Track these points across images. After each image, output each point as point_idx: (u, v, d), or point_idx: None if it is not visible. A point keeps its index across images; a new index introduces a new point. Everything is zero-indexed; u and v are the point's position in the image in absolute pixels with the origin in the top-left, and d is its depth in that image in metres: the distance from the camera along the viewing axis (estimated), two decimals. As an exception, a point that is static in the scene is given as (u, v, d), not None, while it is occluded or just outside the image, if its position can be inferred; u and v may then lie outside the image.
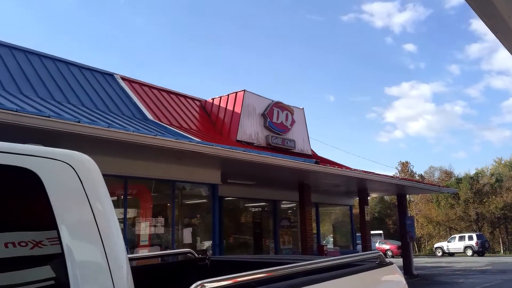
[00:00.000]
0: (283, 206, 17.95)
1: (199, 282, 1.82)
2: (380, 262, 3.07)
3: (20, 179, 1.54)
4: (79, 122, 7.28)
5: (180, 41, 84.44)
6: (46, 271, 1.57)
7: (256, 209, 17.67)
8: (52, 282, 1.56)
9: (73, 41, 78.96)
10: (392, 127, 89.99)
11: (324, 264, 2.76)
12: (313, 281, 2.36)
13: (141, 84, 14.79)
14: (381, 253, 3.16)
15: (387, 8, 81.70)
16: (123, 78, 14.27)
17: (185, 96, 16.32)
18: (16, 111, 6.50)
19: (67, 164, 1.62)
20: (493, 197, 41.91)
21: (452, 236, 37.59)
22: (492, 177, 46.36)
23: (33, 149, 1.59)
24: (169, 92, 15.68)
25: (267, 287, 2.20)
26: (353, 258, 3.03)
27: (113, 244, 1.67)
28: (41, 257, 1.52)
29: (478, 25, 73.16)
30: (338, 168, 13.75)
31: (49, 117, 6.88)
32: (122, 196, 10.03)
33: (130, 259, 3.37)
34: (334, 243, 21.31)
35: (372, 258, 3.13)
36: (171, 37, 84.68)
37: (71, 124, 7.07)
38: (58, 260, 1.53)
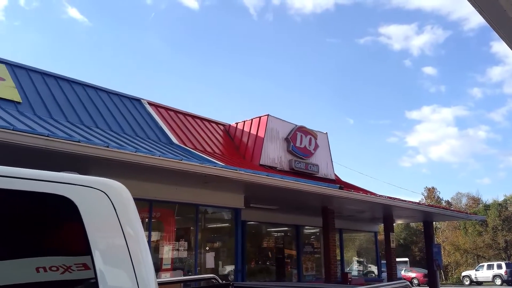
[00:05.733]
0: (306, 231, 17.77)
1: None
2: (406, 293, 3.02)
3: (58, 206, 1.61)
4: (107, 147, 7.46)
5: (200, 65, 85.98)
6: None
7: (279, 234, 17.53)
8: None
9: (89, 65, 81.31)
10: (415, 151, 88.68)
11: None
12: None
13: (167, 109, 15.08)
14: (408, 282, 3.12)
15: (403, 30, 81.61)
16: (150, 103, 14.59)
17: (209, 121, 16.54)
18: (47, 136, 6.71)
19: (102, 192, 1.69)
20: (523, 224, 40.56)
21: (480, 264, 36.43)
22: (522, 204, 44.97)
23: (70, 177, 1.67)
24: (194, 116, 15.92)
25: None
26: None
27: (144, 269, 1.71)
28: (76, 282, 1.58)
29: (500, 47, 72.08)
30: (362, 194, 13.59)
31: (79, 142, 7.08)
32: (146, 219, 10.14)
33: (159, 284, 3.41)
34: (359, 271, 20.88)
35: (399, 287, 3.09)
36: (192, 61, 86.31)
37: (100, 149, 7.25)
38: (91, 285, 1.58)
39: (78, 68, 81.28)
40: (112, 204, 1.69)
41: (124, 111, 13.09)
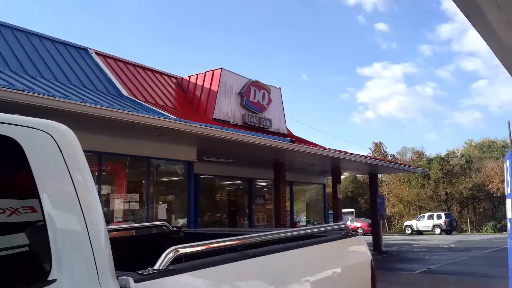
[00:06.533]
0: (258, 184, 18.18)
1: (173, 247, 1.95)
2: (346, 233, 3.25)
3: (3, 148, 1.59)
4: (52, 96, 7.21)
5: (157, 17, 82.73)
6: (27, 238, 1.63)
7: (232, 187, 17.86)
8: (34, 248, 1.63)
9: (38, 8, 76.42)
10: (365, 107, 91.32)
11: (292, 234, 2.92)
12: (280, 249, 2.51)
13: (116, 60, 14.58)
14: (347, 225, 3.35)
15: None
16: (98, 53, 14.03)
17: (161, 73, 16.18)
18: (-13, 85, 6.40)
19: (48, 134, 1.69)
20: (463, 177, 43.24)
21: (421, 215, 38.76)
22: (462, 158, 47.78)
23: (15, 118, 1.64)
24: (144, 68, 15.51)
25: (237, 254, 2.34)
26: (320, 229, 3.20)
27: (92, 211, 1.75)
28: (23, 224, 1.60)
29: (449, 4, 74.08)
30: (312, 147, 13.99)
31: (22, 90, 6.80)
32: (96, 173, 10.01)
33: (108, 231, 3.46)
34: (307, 221, 21.79)
35: (338, 229, 3.31)
36: (148, 11, 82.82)
37: (44, 98, 7.00)
38: (39, 227, 1.60)
39: (21, 15, 76.06)
40: (59, 147, 1.68)
41: (70, 61, 12.55)
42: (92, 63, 13.33)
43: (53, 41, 12.75)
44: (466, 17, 5.41)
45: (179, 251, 1.93)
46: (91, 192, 1.80)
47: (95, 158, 9.87)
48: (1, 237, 1.56)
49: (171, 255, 1.88)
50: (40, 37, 12.43)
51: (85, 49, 13.72)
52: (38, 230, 1.59)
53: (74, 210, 1.69)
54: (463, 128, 77.36)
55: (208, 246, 2.18)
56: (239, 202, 17.53)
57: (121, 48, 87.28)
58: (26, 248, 1.62)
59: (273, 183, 15.44)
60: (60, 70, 11.78)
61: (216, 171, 15.20)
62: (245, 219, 17.06)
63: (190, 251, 2.05)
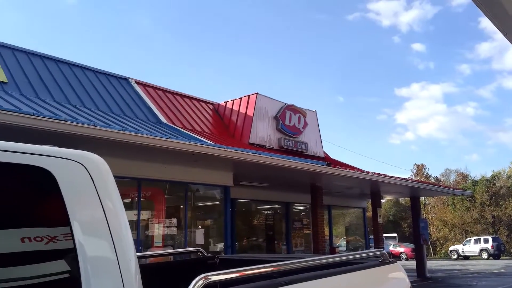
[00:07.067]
0: (295, 208, 18.00)
1: (202, 275, 1.93)
2: (383, 260, 3.14)
3: (36, 177, 1.66)
4: (93, 125, 7.46)
5: (189, 45, 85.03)
6: (59, 265, 1.67)
7: (269, 211, 17.75)
8: (65, 275, 1.66)
9: (77, 43, 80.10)
10: (404, 129, 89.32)
11: (326, 260, 2.84)
12: (314, 277, 2.45)
13: (155, 88, 15.01)
14: (384, 251, 3.24)
15: (392, 6, 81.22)
16: (138, 82, 14.51)
17: (198, 100, 16.50)
18: (33, 115, 6.70)
19: (80, 163, 1.74)
20: (510, 199, 41.29)
21: (468, 239, 37.16)
22: (509, 179, 45.68)
23: (48, 149, 1.71)
24: (182, 95, 15.88)
25: (270, 282, 2.30)
26: (356, 256, 3.10)
27: (122, 239, 1.77)
28: (55, 252, 1.63)
29: (488, 23, 72.01)
30: (349, 170, 13.77)
31: (65, 120, 7.08)
32: (136, 198, 10.22)
33: (142, 257, 3.50)
34: (347, 246, 21.27)
35: (375, 256, 3.20)
36: (181, 41, 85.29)
37: (86, 128, 7.25)
38: (70, 255, 1.64)
39: (64, 48, 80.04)
40: (90, 176, 1.74)
41: (112, 90, 13.02)
42: (132, 92, 13.77)
43: (95, 71, 13.30)
44: (504, 35, 5.26)
45: (209, 278, 1.91)
46: (121, 219, 1.83)
47: (134, 184, 10.09)
48: (36, 265, 1.60)
49: (200, 282, 1.86)
50: (83, 68, 12.99)
51: (126, 79, 14.22)
52: (70, 258, 1.63)
53: (104, 238, 1.72)
54: (508, 148, 74.15)
55: (241, 273, 2.15)
56: (277, 227, 17.38)
57: (159, 77, 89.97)
58: (59, 276, 1.65)
59: (311, 207, 15.25)
60: (101, 99, 12.23)
61: (253, 195, 15.19)
62: (283, 243, 16.86)
63: (221, 278, 2.03)
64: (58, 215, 1.66)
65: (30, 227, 1.63)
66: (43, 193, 1.70)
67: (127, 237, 1.82)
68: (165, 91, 15.28)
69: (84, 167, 1.75)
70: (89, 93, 12.06)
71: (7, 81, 10.20)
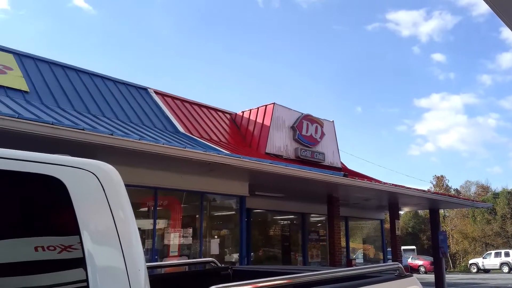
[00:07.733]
0: (312, 219, 17.85)
1: (213, 287, 1.92)
2: (399, 274, 3.08)
3: (48, 186, 1.67)
4: (112, 134, 7.55)
5: (210, 54, 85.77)
6: (69, 275, 1.67)
7: (285, 222, 17.65)
8: (74, 285, 1.66)
9: (97, 53, 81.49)
10: (423, 140, 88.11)
11: (341, 274, 2.80)
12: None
13: (173, 98, 15.15)
14: (400, 264, 3.18)
15: (412, 16, 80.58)
16: (156, 92, 14.67)
17: (215, 109, 16.59)
18: (52, 124, 6.82)
19: (91, 172, 1.76)
20: (532, 213, 40.34)
21: (488, 252, 36.34)
22: (532, 192, 44.63)
23: (59, 158, 1.73)
24: (200, 105, 15.99)
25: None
26: (371, 269, 3.05)
27: (132, 249, 1.77)
28: (65, 261, 1.64)
29: (509, 33, 70.86)
30: (367, 181, 13.61)
31: (83, 129, 7.18)
32: (152, 207, 10.27)
33: (154, 267, 3.51)
34: (364, 258, 20.97)
35: (391, 270, 3.15)
36: (201, 48, 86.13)
37: (104, 137, 7.34)
38: (80, 264, 1.64)
39: (85, 57, 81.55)
40: (101, 185, 1.74)
41: (131, 100, 13.18)
42: (151, 101, 13.93)
43: (115, 81, 13.50)
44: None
45: (219, 289, 1.90)
46: (131, 229, 1.83)
47: (151, 193, 10.15)
48: (47, 274, 1.61)
49: (211, 294, 1.85)
50: (103, 78, 13.20)
51: (145, 89, 14.40)
52: (79, 267, 1.63)
53: (114, 247, 1.72)
54: (531, 161, 72.46)
55: (254, 285, 2.13)
56: (293, 238, 17.25)
57: (176, 86, 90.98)
58: (68, 286, 1.65)
59: (327, 218, 15.10)
60: (120, 108, 12.39)
61: (269, 206, 15.13)
62: (299, 255, 16.70)
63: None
64: (69, 224, 1.67)
65: (43, 236, 1.64)
66: (55, 202, 1.71)
67: (137, 247, 1.82)
68: (183, 100, 15.41)
69: (96, 176, 1.76)
70: (109, 103, 12.23)
71: (28, 91, 10.42)
